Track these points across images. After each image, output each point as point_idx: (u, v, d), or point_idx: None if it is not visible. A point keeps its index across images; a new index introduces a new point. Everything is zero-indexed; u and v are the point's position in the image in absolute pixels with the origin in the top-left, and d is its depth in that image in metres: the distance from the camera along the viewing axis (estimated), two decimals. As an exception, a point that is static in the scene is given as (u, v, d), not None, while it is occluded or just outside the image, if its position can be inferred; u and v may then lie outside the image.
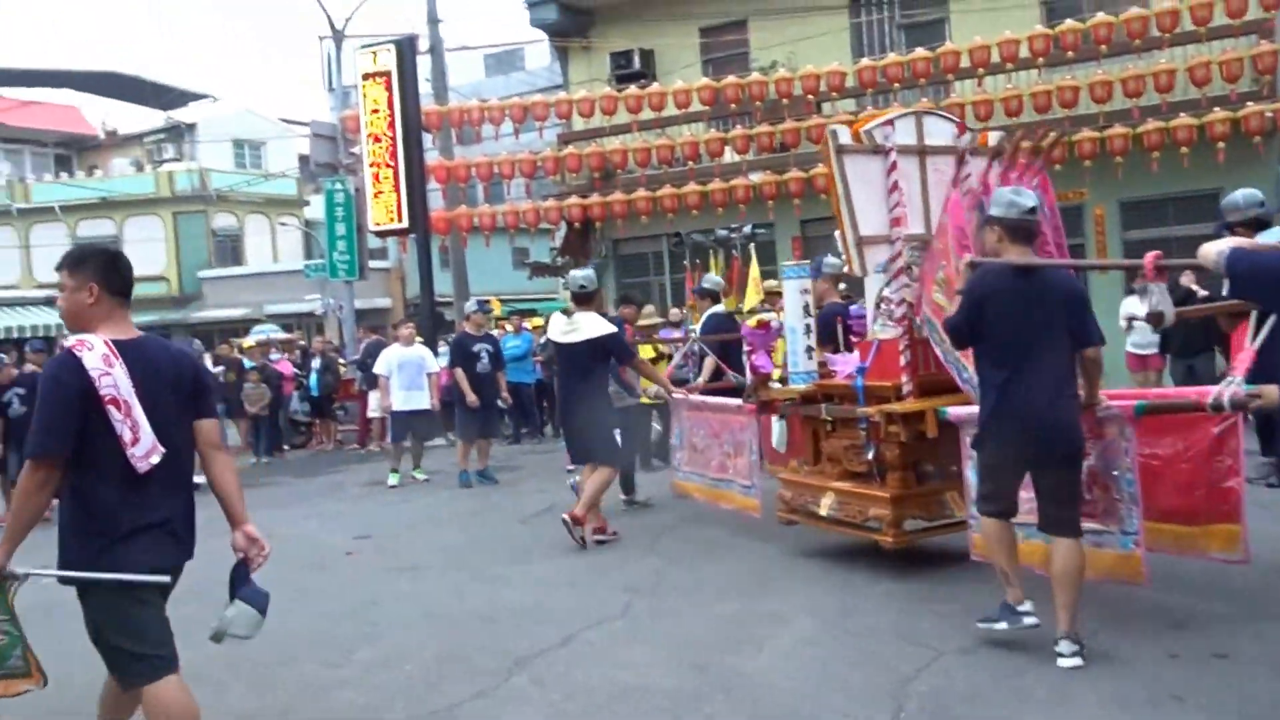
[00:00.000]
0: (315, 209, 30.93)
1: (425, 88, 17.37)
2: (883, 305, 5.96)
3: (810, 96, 15.66)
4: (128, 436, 3.11)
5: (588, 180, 17.51)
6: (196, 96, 38.88)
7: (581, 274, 7.65)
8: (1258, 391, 4.16)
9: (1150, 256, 3.95)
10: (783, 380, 6.94)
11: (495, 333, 13.40)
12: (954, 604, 5.13)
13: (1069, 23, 13.50)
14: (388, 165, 14.79)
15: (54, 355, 3.62)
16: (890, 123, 6.04)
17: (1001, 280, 4.40)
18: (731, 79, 15.78)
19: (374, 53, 14.91)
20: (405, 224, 14.88)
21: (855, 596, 5.47)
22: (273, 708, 4.35)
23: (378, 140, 14.87)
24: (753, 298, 9.57)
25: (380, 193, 14.90)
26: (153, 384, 3.20)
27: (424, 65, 17.66)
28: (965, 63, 14.21)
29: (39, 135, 35.78)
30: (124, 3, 76.21)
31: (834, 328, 7.04)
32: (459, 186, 18.67)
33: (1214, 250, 3.46)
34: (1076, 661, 4.16)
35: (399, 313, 32.05)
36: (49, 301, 27.62)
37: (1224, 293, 4.37)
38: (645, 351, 9.62)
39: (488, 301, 16.18)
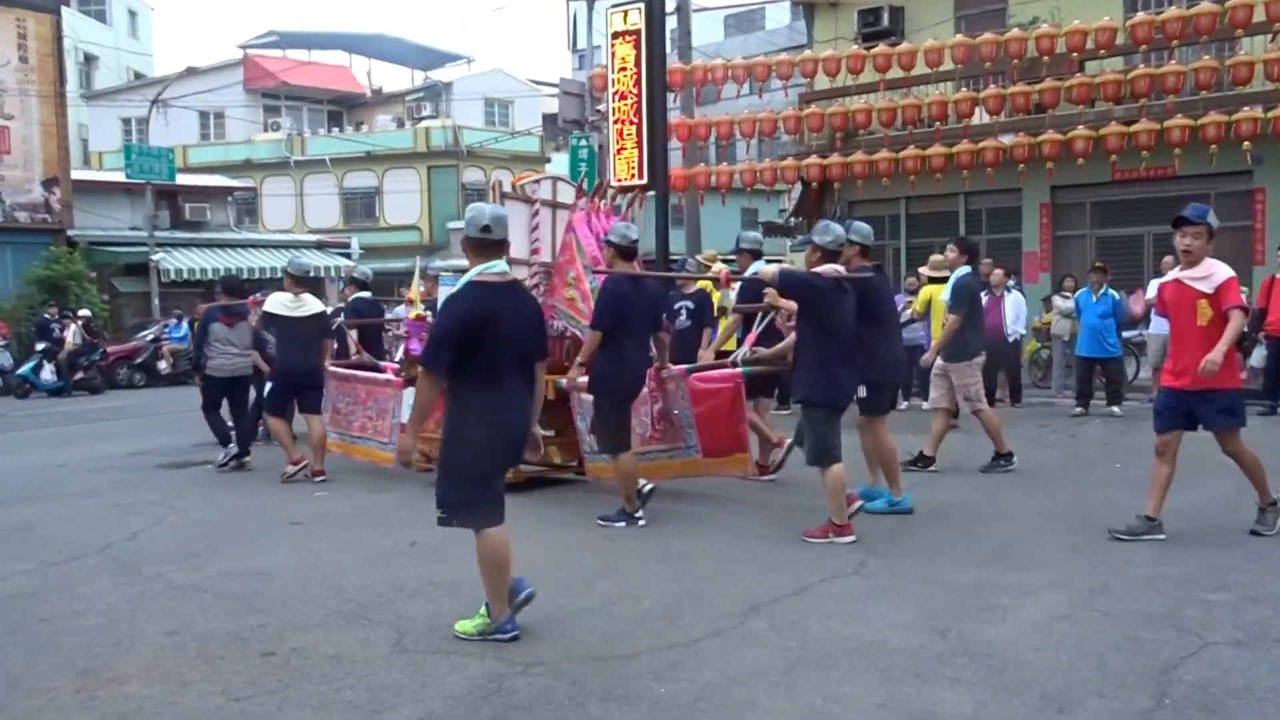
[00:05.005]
0: (556, 165, 31.97)
1: (668, 47, 17.50)
2: None
3: (1074, 55, 14.78)
4: None
5: (828, 140, 17.23)
6: (453, 57, 40.93)
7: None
8: (756, 355, 7.36)
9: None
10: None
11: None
12: (1225, 592, 4.82)
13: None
14: (632, 122, 15.01)
15: None
16: (538, 181, 8.55)
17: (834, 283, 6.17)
18: (988, 36, 15.09)
19: (625, 11, 15.13)
20: (645, 180, 15.08)
21: (1109, 576, 5.21)
22: (523, 628, 4.54)
23: (624, 97, 15.10)
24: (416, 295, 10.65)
25: (623, 149, 15.15)
26: None
27: (667, 25, 17.77)
28: (1260, 17, 12.98)
29: (315, 93, 38.65)
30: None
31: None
32: (696, 145, 18.78)
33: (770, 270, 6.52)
34: None
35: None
36: (320, 246, 30.02)
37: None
38: None
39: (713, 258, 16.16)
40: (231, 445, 9.31)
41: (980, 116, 15.74)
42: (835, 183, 17.30)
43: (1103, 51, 14.69)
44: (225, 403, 9.41)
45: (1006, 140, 15.16)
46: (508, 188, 8.24)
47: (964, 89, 16.05)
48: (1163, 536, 5.87)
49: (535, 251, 8.26)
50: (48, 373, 19.00)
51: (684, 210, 21.58)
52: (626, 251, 6.83)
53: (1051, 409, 12.71)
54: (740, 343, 7.82)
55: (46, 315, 19.89)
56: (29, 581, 5.56)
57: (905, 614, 4.68)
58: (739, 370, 7.22)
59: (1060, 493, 7.52)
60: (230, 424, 9.47)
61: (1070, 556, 5.63)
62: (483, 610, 4.47)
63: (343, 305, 11.35)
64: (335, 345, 10.15)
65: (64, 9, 25.95)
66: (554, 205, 8.51)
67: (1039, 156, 14.94)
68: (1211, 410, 5.79)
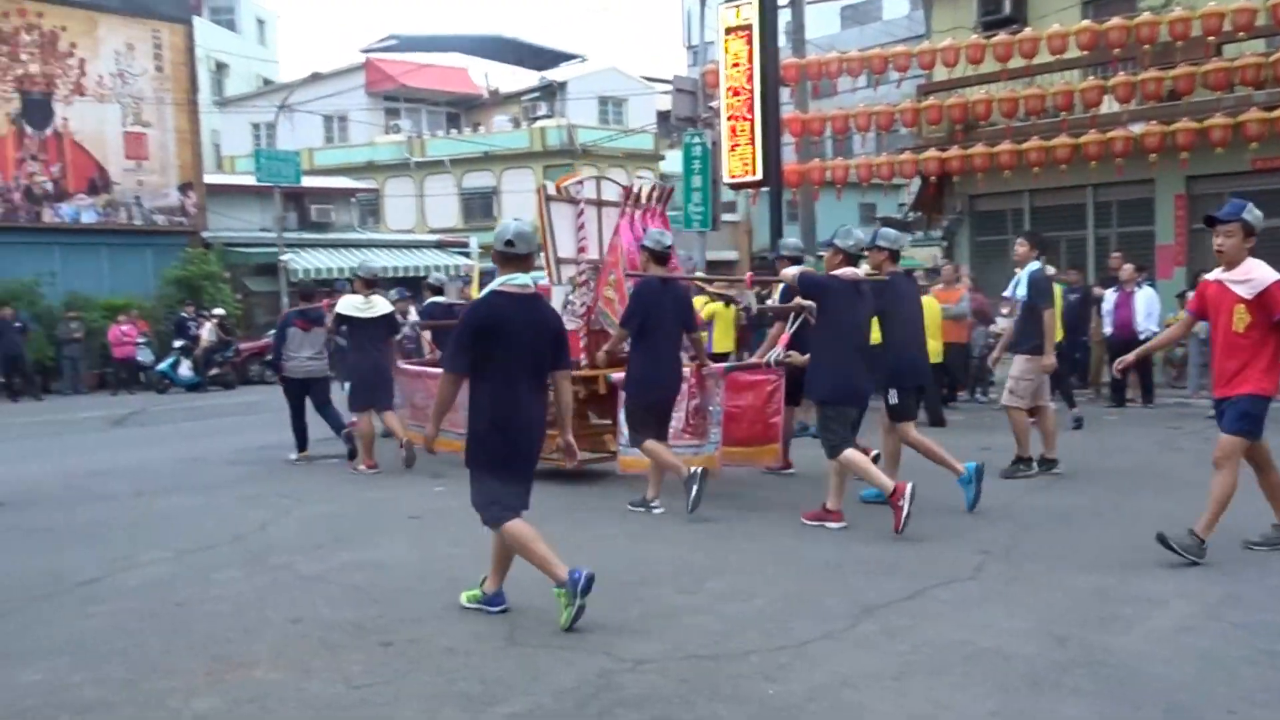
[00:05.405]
0: (669, 163, 32.04)
1: (781, 40, 17.36)
2: (568, 306, 8.34)
3: (1210, 38, 14.09)
4: None
5: (947, 133, 16.82)
6: (567, 57, 41.29)
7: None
8: (789, 358, 7.42)
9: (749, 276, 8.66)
10: None
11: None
12: (1368, 607, 4.54)
13: None
14: (745, 118, 14.96)
15: None
16: (581, 182, 8.98)
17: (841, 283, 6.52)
18: (1117, 21, 14.51)
19: (737, 7, 15.08)
20: (759, 176, 15.01)
21: (1243, 586, 4.98)
22: (633, 625, 4.61)
23: (736, 94, 15.07)
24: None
25: (736, 145, 15.11)
26: None
27: (781, 19, 17.63)
28: None
29: (433, 95, 39.52)
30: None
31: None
32: (811, 140, 18.56)
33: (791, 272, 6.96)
34: None
35: (745, 265, 32.60)
36: (440, 245, 30.75)
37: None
38: None
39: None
40: (306, 449, 10.01)
41: (1109, 105, 15.15)
42: (955, 176, 16.88)
43: (1241, 34, 13.97)
44: (310, 402, 9.93)
45: (1137, 129, 14.54)
46: (552, 191, 8.61)
47: (1091, 77, 15.47)
48: None
49: (582, 250, 8.68)
50: (185, 369, 19.99)
51: (799, 206, 21.39)
52: (660, 256, 7.20)
53: (1186, 410, 12.18)
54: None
55: (183, 314, 20.95)
56: (167, 569, 5.86)
57: (1023, 620, 4.55)
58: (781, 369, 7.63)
59: (1192, 497, 7.14)
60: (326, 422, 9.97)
61: (1200, 565, 5.38)
62: (555, 592, 4.58)
63: (460, 303, 11.73)
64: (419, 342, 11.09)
65: (195, 19, 27.08)
66: (599, 204, 8.92)
67: (1172, 146, 14.30)
68: (1231, 410, 5.48)
